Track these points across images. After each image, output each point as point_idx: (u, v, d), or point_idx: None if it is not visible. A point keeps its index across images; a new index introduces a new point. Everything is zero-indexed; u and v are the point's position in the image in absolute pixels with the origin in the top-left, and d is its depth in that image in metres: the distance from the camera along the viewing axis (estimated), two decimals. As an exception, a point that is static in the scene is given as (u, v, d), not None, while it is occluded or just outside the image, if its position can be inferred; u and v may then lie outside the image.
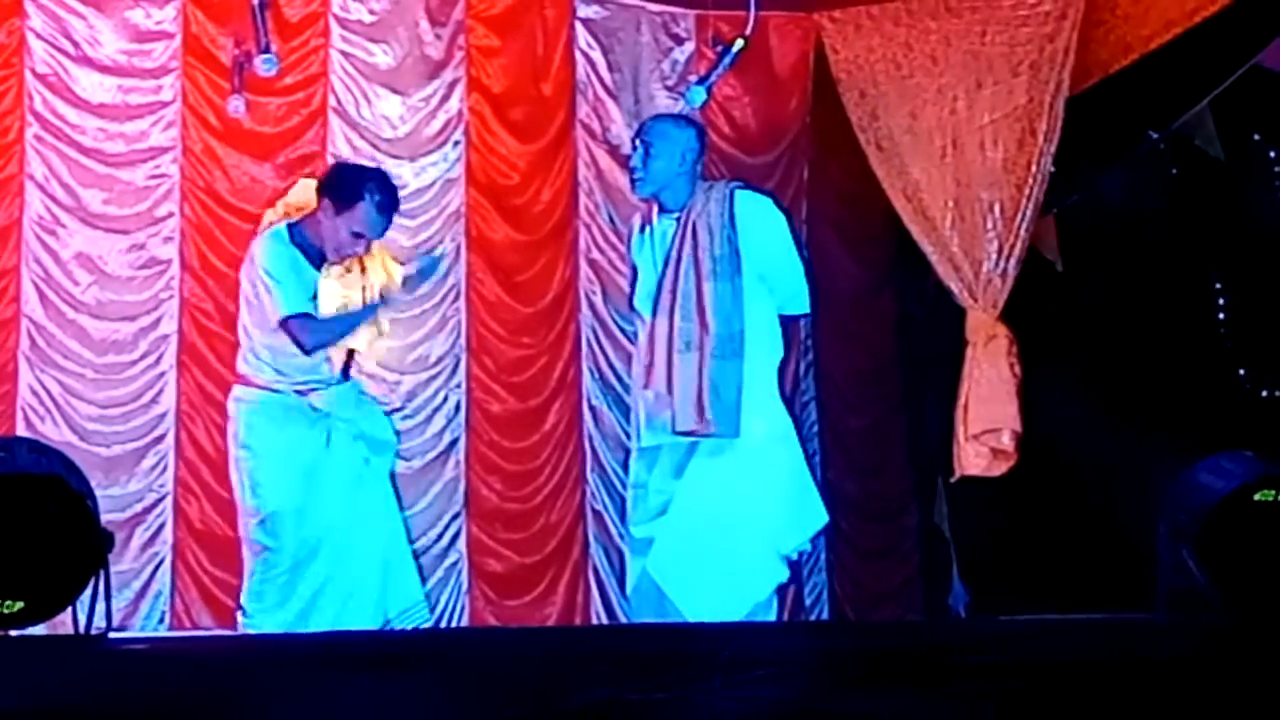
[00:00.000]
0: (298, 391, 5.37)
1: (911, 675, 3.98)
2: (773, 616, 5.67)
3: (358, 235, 5.46)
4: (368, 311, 5.51)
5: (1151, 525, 4.88)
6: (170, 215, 6.40)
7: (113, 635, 3.95)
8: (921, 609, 7.06)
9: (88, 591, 4.00)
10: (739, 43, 6.85)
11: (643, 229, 5.72)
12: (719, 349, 5.44)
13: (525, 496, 6.76)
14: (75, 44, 6.36)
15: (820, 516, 5.70)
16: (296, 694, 3.54)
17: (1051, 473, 6.45)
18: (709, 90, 6.92)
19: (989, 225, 6.23)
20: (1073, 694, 3.88)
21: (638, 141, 5.72)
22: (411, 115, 6.73)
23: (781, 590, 5.78)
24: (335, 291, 5.49)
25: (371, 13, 6.71)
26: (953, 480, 6.42)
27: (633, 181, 5.75)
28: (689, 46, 7.06)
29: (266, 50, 6.38)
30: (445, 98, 6.78)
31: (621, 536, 6.85)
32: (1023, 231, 6.22)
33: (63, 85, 6.32)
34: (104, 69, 6.39)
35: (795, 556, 5.70)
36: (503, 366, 6.77)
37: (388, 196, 5.52)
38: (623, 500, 6.89)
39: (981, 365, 6.22)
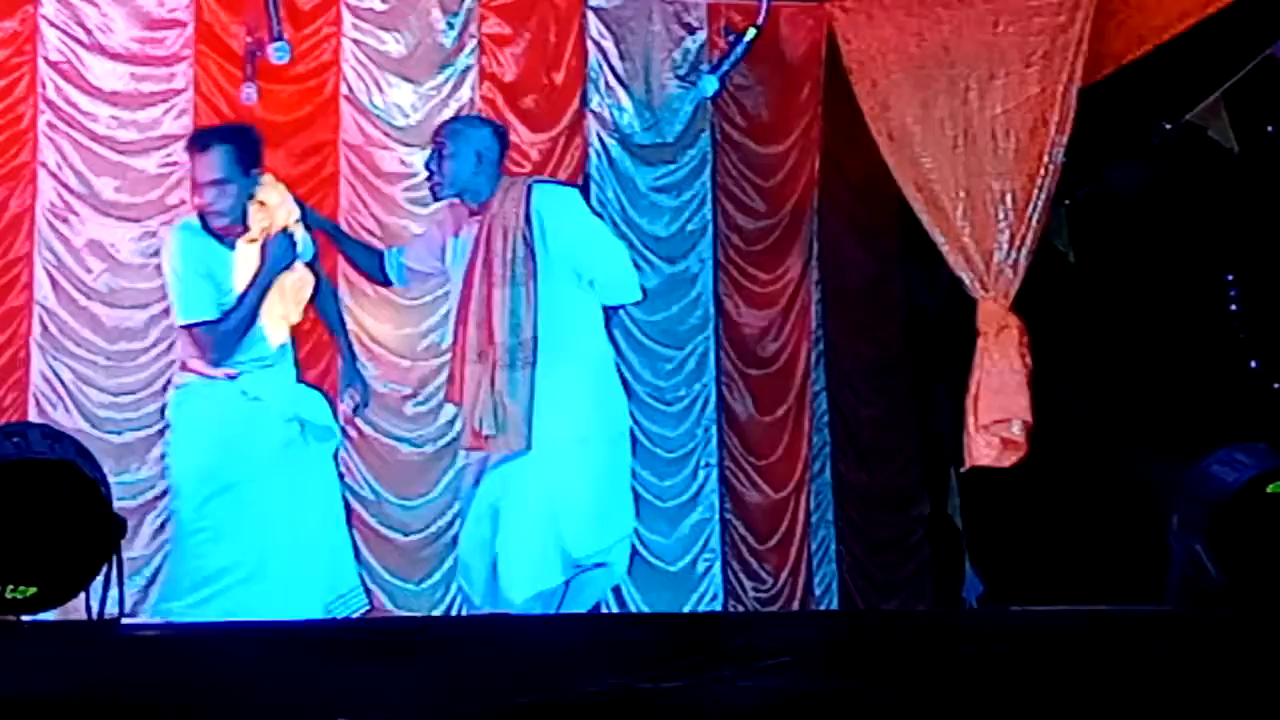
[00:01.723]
0: (229, 376, 5.10)
1: (921, 665, 3.98)
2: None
3: (213, 183, 5.09)
4: (253, 295, 5.08)
5: (1163, 517, 4.87)
6: (182, 203, 6.38)
7: (125, 621, 3.95)
8: (931, 600, 7.07)
9: (100, 578, 4.01)
10: (751, 32, 6.84)
11: (456, 234, 5.45)
12: (506, 358, 5.21)
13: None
14: (88, 31, 6.37)
15: (625, 525, 5.48)
16: (306, 681, 3.54)
17: (1063, 464, 6.44)
18: (721, 80, 6.92)
19: (1001, 216, 6.22)
20: (1084, 685, 3.88)
21: (434, 144, 5.50)
22: (423, 103, 6.74)
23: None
24: (250, 266, 5.15)
25: (383, 1, 6.72)
26: (963, 471, 6.42)
27: (431, 187, 5.49)
28: (701, 35, 7.07)
29: (279, 38, 6.37)
30: (457, 86, 6.79)
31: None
32: (1034, 222, 6.21)
33: (75, 73, 6.33)
34: (116, 57, 6.40)
35: (589, 563, 5.37)
36: (514, 357, 6.77)
37: (243, 141, 5.18)
38: (635, 491, 6.91)
39: (992, 356, 6.21)
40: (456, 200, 5.42)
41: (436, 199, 5.55)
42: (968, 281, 6.33)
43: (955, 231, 6.30)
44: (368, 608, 5.39)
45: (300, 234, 5.21)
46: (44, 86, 6.29)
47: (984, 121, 6.23)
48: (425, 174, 5.49)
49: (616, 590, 6.83)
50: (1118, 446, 6.33)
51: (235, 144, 5.12)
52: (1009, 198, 6.20)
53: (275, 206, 5.16)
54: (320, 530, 5.18)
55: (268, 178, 5.18)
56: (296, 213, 5.21)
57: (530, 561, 5.23)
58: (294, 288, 5.21)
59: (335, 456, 5.47)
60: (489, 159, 5.38)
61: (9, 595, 3.84)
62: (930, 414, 7.00)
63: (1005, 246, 6.23)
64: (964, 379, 6.30)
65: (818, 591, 7.07)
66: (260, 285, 5.08)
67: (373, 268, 5.72)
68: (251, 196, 5.11)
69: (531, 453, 5.21)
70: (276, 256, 5.11)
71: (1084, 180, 6.57)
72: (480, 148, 5.37)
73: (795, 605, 6.98)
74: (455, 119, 5.95)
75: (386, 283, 5.72)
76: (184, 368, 5.21)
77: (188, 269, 5.07)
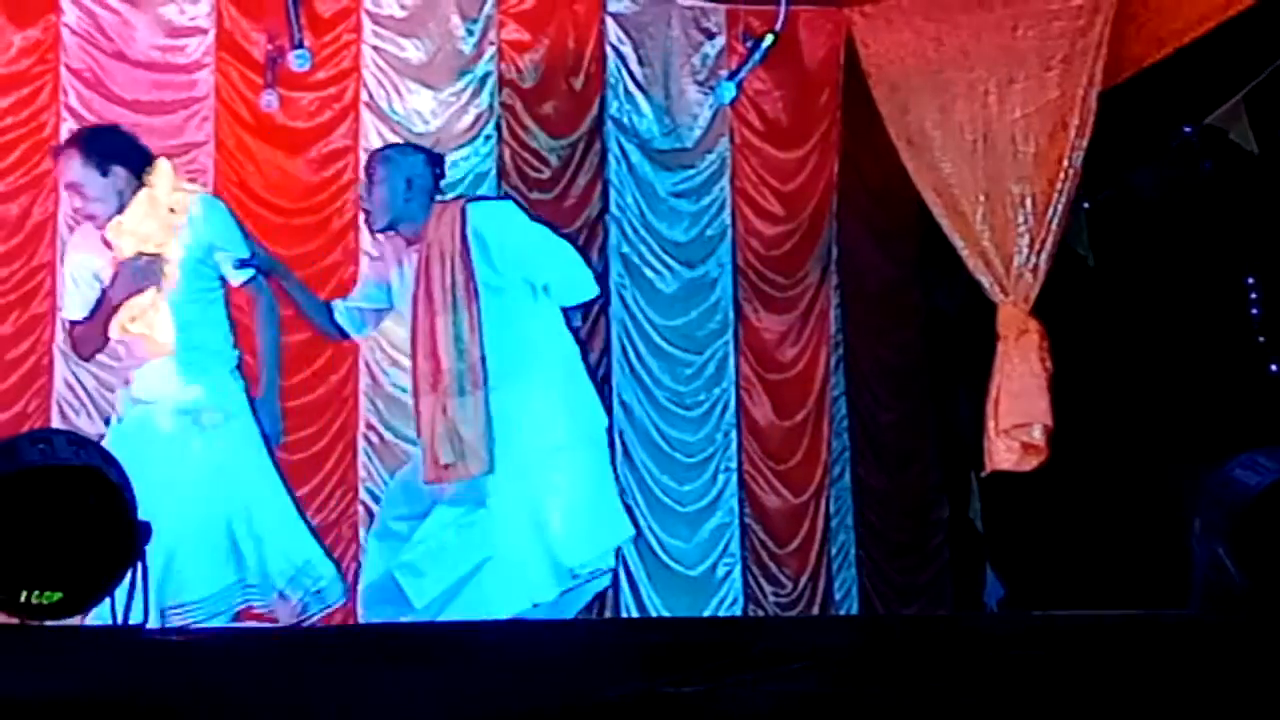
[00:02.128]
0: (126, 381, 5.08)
1: (942, 671, 3.97)
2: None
3: (68, 187, 5.10)
4: (100, 311, 4.98)
5: (1184, 521, 4.86)
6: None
7: (150, 627, 3.96)
8: (951, 604, 7.06)
9: (124, 583, 4.02)
10: (769, 37, 6.88)
11: (399, 264, 5.38)
12: (454, 385, 5.15)
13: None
14: (109, 39, 6.40)
15: (620, 531, 5.43)
16: (330, 686, 3.55)
17: (1084, 468, 6.43)
18: (739, 85, 6.94)
19: (1020, 220, 6.21)
20: (1107, 690, 3.88)
21: (365, 173, 5.44)
22: (443, 110, 6.76)
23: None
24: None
25: (403, 8, 6.75)
26: (983, 475, 6.41)
27: (365, 219, 5.45)
28: (720, 41, 7.08)
29: (299, 45, 6.43)
30: (476, 92, 6.81)
31: (650, 530, 6.90)
32: (1054, 226, 6.20)
33: (97, 81, 6.36)
34: (138, 64, 6.43)
35: (585, 572, 5.31)
36: (532, 362, 6.78)
37: (92, 142, 5.06)
38: (655, 496, 6.93)
39: (1013, 360, 6.20)
40: (393, 233, 5.34)
41: (372, 231, 5.50)
42: (987, 285, 6.32)
43: (975, 236, 6.29)
44: (326, 580, 5.14)
45: (165, 264, 4.99)
46: (66, 94, 6.32)
47: (1003, 125, 6.22)
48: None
49: (636, 594, 6.86)
50: (1138, 450, 6.31)
51: (81, 147, 5.02)
52: (1029, 201, 6.20)
53: (132, 230, 4.98)
54: (247, 508, 5.03)
55: (146, 194, 4.99)
56: (160, 239, 4.98)
57: (514, 578, 5.17)
58: (141, 308, 5.03)
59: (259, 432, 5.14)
60: (420, 185, 5.30)
61: (34, 601, 3.85)
62: (950, 418, 6.99)
63: (1025, 250, 6.22)
64: (984, 383, 6.29)
65: (838, 596, 7.07)
66: (102, 304, 4.98)
67: (324, 320, 5.59)
68: (123, 204, 4.99)
69: (504, 469, 5.14)
70: (123, 279, 4.96)
71: (1104, 184, 6.55)
72: (410, 174, 5.30)
73: (815, 610, 6.97)
74: (386, 146, 5.85)
75: (342, 334, 5.57)
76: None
77: (72, 267, 5.07)
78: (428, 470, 5.20)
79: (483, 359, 5.16)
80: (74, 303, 5.08)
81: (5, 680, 3.47)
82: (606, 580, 5.56)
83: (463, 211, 5.26)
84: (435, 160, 5.46)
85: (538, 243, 5.38)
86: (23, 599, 3.84)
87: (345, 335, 5.57)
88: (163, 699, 3.41)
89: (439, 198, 5.36)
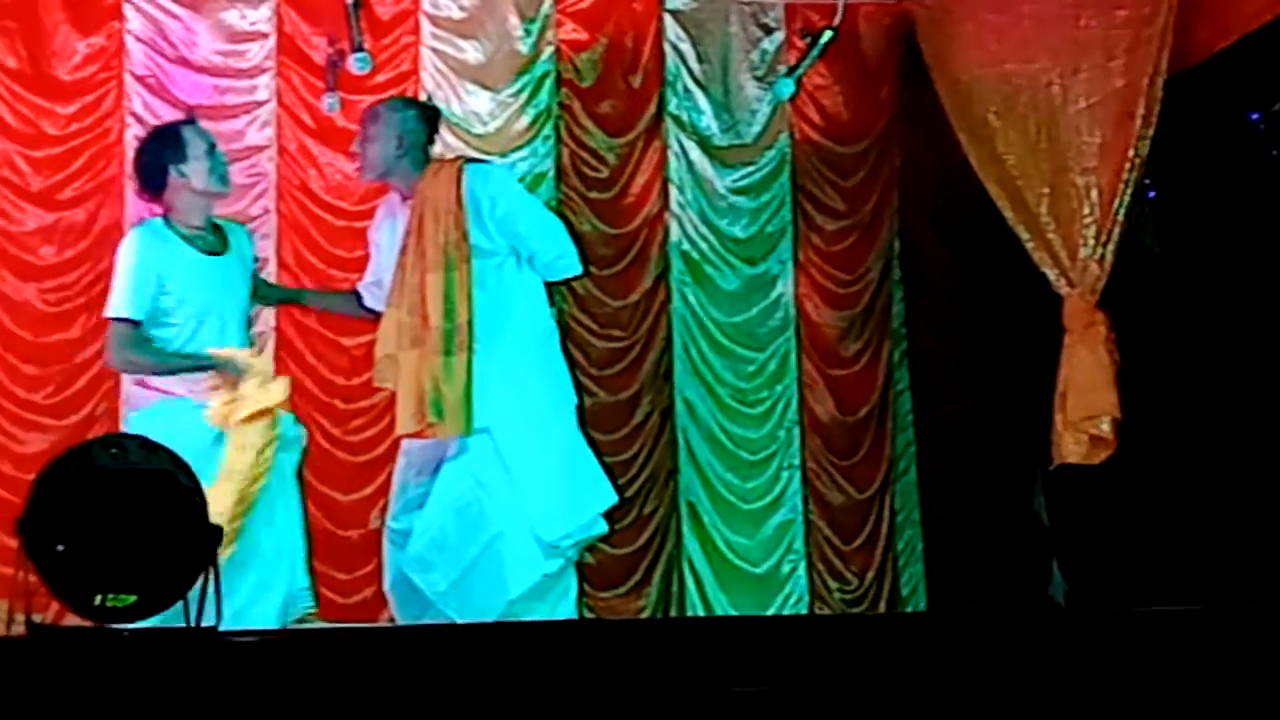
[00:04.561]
0: (192, 392, 5.05)
1: (1011, 666, 3.95)
2: (551, 608, 5.36)
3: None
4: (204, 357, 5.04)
5: (1255, 515, 4.81)
6: (266, 213, 6.47)
7: (224, 629, 3.98)
8: (1019, 599, 7.00)
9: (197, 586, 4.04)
10: (828, 33, 6.85)
11: (392, 217, 5.43)
12: (442, 344, 5.18)
13: (618, 489, 6.77)
14: (172, 45, 6.45)
15: (599, 501, 5.43)
16: (406, 685, 3.56)
17: (1152, 461, 6.36)
18: (798, 81, 6.92)
19: (1086, 211, 6.15)
20: (1178, 684, 3.84)
21: (359, 128, 5.49)
22: (501, 110, 6.77)
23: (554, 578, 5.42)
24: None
25: (461, 9, 6.76)
26: (1051, 469, 6.36)
27: (356, 170, 5.52)
28: (778, 36, 7.05)
29: (359, 49, 6.46)
30: (535, 92, 6.81)
31: (715, 527, 6.89)
32: (1120, 216, 6.13)
33: (161, 86, 6.41)
34: (201, 70, 6.47)
35: (567, 544, 5.37)
36: (593, 359, 6.79)
37: (155, 140, 5.28)
38: (718, 493, 6.92)
39: (1079, 352, 6.15)
40: (388, 187, 5.40)
41: (362, 181, 5.60)
42: (1053, 278, 6.26)
43: (1040, 228, 6.24)
44: (314, 609, 5.31)
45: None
46: (130, 100, 6.37)
47: (1067, 116, 6.16)
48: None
49: (701, 591, 6.85)
50: (1208, 442, 6.25)
51: (146, 146, 5.22)
52: (1094, 193, 6.13)
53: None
54: (288, 541, 5.11)
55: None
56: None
57: (519, 554, 5.23)
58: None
59: (299, 464, 5.30)
60: (413, 142, 5.36)
61: (109, 604, 3.88)
62: (1017, 412, 6.93)
63: (1091, 242, 6.16)
64: (1051, 375, 6.24)
65: (905, 592, 7.04)
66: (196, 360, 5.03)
67: (353, 308, 5.68)
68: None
69: (488, 438, 5.20)
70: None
71: (1170, 172, 6.49)
72: (402, 130, 5.36)
73: (882, 606, 6.95)
74: (380, 101, 5.87)
75: (374, 314, 5.58)
76: (143, 385, 5.17)
77: (141, 267, 5.04)
78: (408, 422, 5.21)
79: (470, 321, 5.19)
80: (133, 300, 5.05)
81: (82, 682, 3.51)
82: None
83: (460, 171, 5.30)
84: (429, 115, 5.51)
85: (530, 213, 5.44)
86: (97, 602, 3.88)
87: (378, 314, 5.58)
88: (240, 701, 3.44)
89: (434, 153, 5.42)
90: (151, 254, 5.07)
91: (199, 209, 5.16)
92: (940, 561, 7.05)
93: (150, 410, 5.10)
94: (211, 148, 5.17)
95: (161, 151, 5.15)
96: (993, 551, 7.03)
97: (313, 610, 5.31)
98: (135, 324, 5.05)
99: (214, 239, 5.19)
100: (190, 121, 5.36)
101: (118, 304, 5.08)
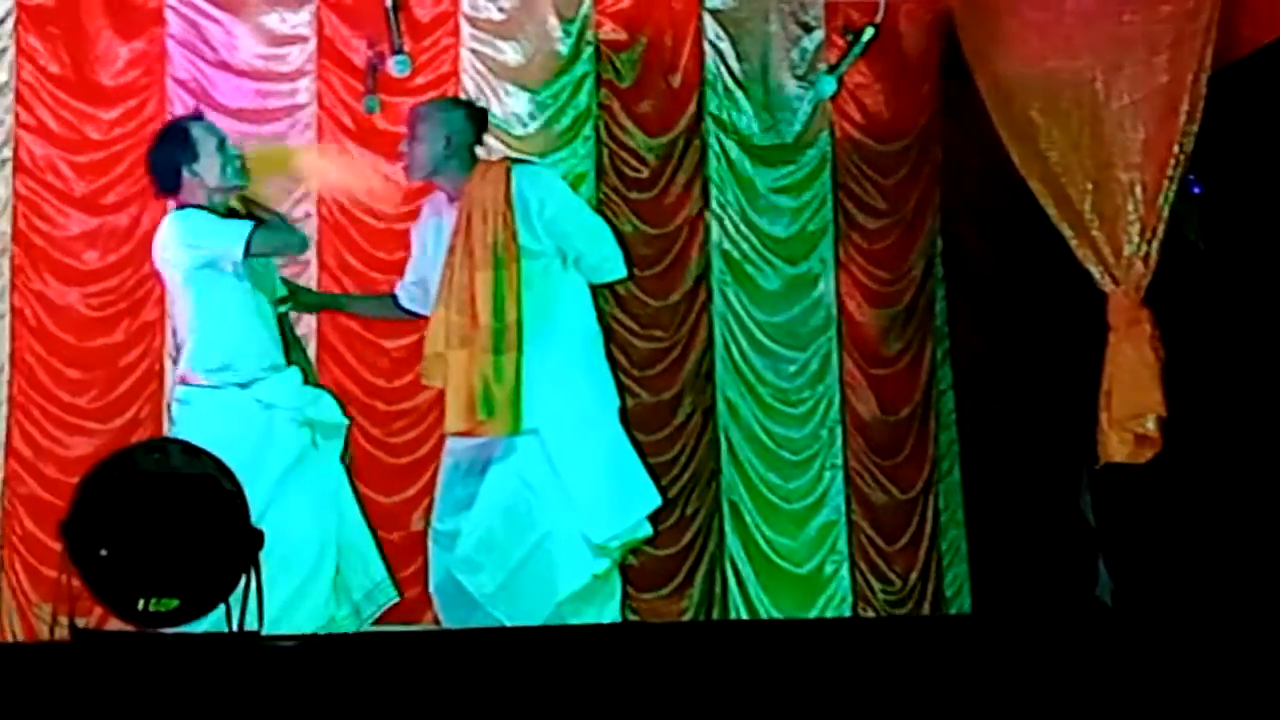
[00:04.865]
0: (239, 385, 5.10)
1: (1058, 669, 3.92)
2: (599, 609, 5.35)
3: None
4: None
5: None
6: (308, 216, 6.48)
7: (265, 633, 3.99)
8: (1064, 599, 6.96)
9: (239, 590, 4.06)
10: (869, 30, 6.82)
11: (437, 216, 5.47)
12: (490, 343, 5.20)
13: (661, 490, 6.76)
14: (213, 49, 6.48)
15: (646, 502, 5.42)
16: (449, 692, 3.56)
17: (1198, 460, 6.31)
18: (840, 79, 6.89)
19: (1130, 207, 6.09)
20: (1225, 689, 3.80)
21: (407, 127, 5.51)
22: (541, 111, 6.76)
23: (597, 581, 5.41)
24: None
25: (501, 11, 6.76)
26: (1096, 468, 6.31)
27: (403, 169, 5.55)
28: (818, 35, 7.02)
29: (399, 51, 6.47)
30: (574, 93, 6.80)
31: (757, 528, 6.87)
32: (1165, 212, 6.07)
33: (202, 91, 6.42)
34: (241, 73, 6.50)
35: (615, 546, 5.37)
36: (634, 360, 6.78)
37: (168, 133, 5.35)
38: (760, 494, 6.90)
39: (1124, 350, 6.09)
40: (434, 187, 5.43)
41: (409, 181, 5.63)
42: (1097, 275, 6.21)
43: (1083, 225, 6.18)
44: (397, 599, 5.35)
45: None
46: (172, 104, 6.39)
47: (1111, 113, 6.10)
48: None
49: (744, 592, 6.83)
50: (1255, 441, 6.19)
51: (155, 146, 5.26)
52: (1138, 189, 6.07)
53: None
54: (340, 528, 5.15)
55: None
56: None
57: (567, 555, 5.23)
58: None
59: (344, 453, 5.36)
60: (460, 142, 5.38)
61: (152, 608, 3.90)
62: (1061, 410, 6.89)
63: (1135, 239, 6.10)
64: (1095, 374, 6.19)
65: (949, 593, 7.01)
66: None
67: (391, 310, 5.72)
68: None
69: (535, 439, 5.21)
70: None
71: (1215, 168, 6.43)
72: (450, 131, 5.38)
73: (926, 607, 6.92)
74: (428, 101, 5.91)
75: (411, 315, 5.66)
76: (185, 381, 5.18)
77: (195, 241, 5.07)
78: (458, 420, 5.24)
79: (519, 321, 5.21)
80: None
81: (125, 687, 3.52)
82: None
83: (508, 172, 5.31)
84: (477, 115, 5.53)
85: (577, 215, 5.46)
86: (140, 606, 3.90)
87: (416, 315, 5.63)
88: (283, 705, 3.44)
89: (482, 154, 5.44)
90: (195, 229, 5.10)
91: (214, 203, 5.18)
92: (985, 562, 7.00)
93: (192, 400, 5.13)
94: (221, 143, 5.18)
95: (172, 152, 5.17)
96: (1038, 552, 6.99)
97: (396, 601, 5.33)
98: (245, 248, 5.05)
99: None
100: (198, 118, 5.40)
101: (227, 240, 5.08)
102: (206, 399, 5.09)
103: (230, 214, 5.18)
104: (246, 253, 5.03)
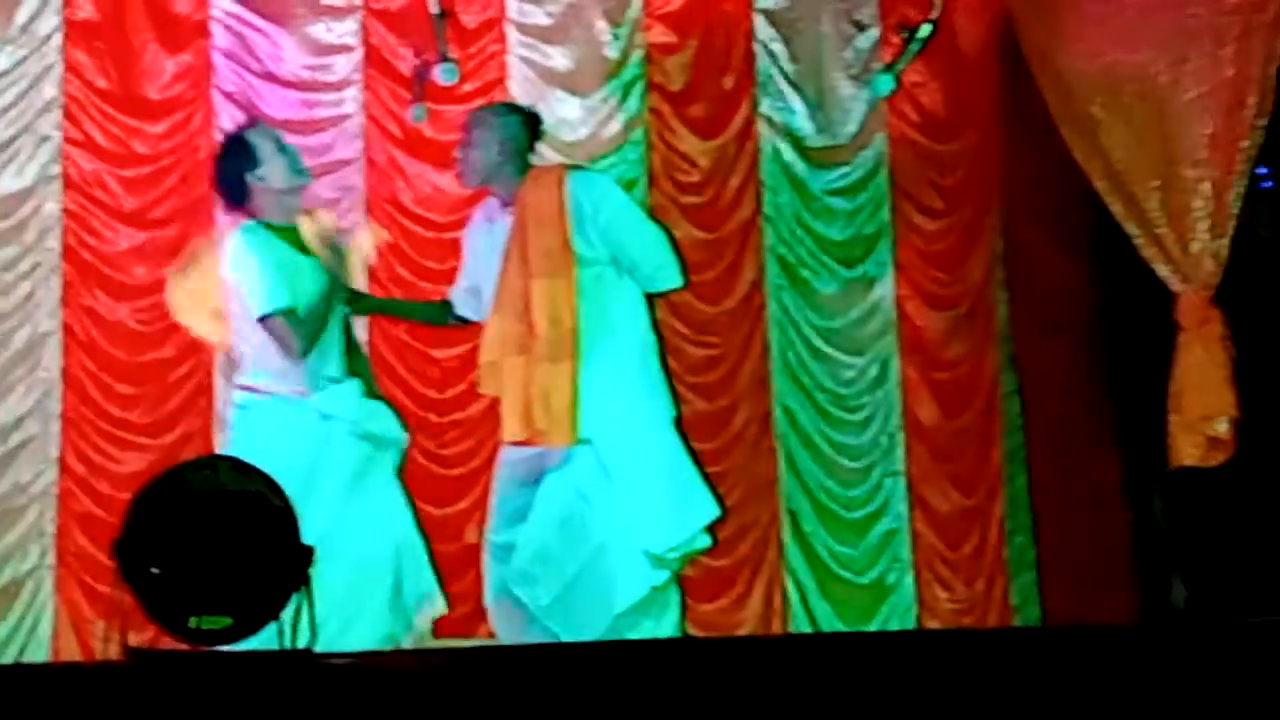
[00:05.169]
0: (297, 393, 5.08)
1: (1133, 683, 3.82)
2: (657, 621, 5.32)
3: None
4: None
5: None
6: (356, 226, 6.42)
7: (318, 650, 3.94)
8: (1138, 607, 6.84)
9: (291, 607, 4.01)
10: (925, 28, 6.75)
11: (489, 222, 5.45)
12: (547, 351, 5.18)
13: (718, 499, 6.68)
14: (259, 60, 6.45)
15: (704, 513, 5.38)
16: (508, 708, 3.50)
17: (1273, 462, 6.19)
18: (896, 78, 6.82)
19: (1198, 204, 6.00)
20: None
21: (461, 132, 5.50)
22: (590, 116, 6.72)
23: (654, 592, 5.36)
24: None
25: (548, 15, 6.71)
26: (1168, 472, 6.21)
27: (457, 175, 5.55)
28: (873, 33, 6.95)
29: (446, 59, 6.45)
30: (624, 97, 6.75)
31: (816, 537, 6.79)
32: (1234, 209, 5.98)
33: (248, 102, 6.40)
34: (287, 84, 6.47)
35: (673, 557, 5.32)
36: (688, 367, 6.70)
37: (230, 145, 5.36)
38: (820, 502, 6.82)
39: (1194, 350, 6.01)
40: (487, 193, 5.40)
41: (463, 186, 5.61)
42: (1164, 274, 6.12)
43: (1149, 223, 6.09)
44: (444, 612, 5.31)
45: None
46: (218, 117, 6.37)
47: (1176, 108, 6.01)
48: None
49: (805, 603, 6.75)
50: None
51: (220, 162, 5.27)
52: (1206, 185, 5.98)
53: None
54: (398, 541, 5.13)
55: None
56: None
57: (624, 567, 5.16)
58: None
59: (400, 467, 5.34)
60: (515, 148, 5.36)
61: (204, 626, 3.87)
62: (1130, 412, 6.78)
63: (1204, 236, 6.01)
64: (1165, 375, 6.10)
65: (1016, 601, 6.91)
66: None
67: (443, 317, 5.71)
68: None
69: (590, 449, 5.18)
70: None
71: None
72: (505, 136, 5.36)
73: (992, 615, 6.83)
74: (483, 106, 5.90)
75: (464, 322, 5.66)
76: (243, 388, 5.17)
77: (265, 261, 5.04)
78: (515, 429, 5.21)
79: (575, 329, 5.18)
80: (273, 293, 5.03)
81: (179, 706, 3.48)
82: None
83: (563, 178, 5.29)
84: (532, 121, 5.49)
85: (632, 222, 5.41)
86: (192, 625, 3.87)
87: (468, 321, 5.62)
88: (335, 725, 3.38)
89: (535, 160, 5.43)
90: (266, 248, 5.08)
91: (286, 207, 5.19)
92: (1053, 568, 6.90)
93: (251, 406, 5.12)
94: (279, 142, 5.20)
95: (235, 163, 5.18)
96: (1108, 557, 6.88)
97: (444, 613, 5.30)
98: (291, 311, 5.02)
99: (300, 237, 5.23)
100: (253, 124, 5.43)
101: (265, 302, 5.03)
102: (265, 407, 5.08)
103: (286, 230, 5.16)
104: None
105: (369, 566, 5.03)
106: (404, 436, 5.30)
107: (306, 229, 5.21)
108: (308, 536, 4.79)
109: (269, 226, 5.15)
